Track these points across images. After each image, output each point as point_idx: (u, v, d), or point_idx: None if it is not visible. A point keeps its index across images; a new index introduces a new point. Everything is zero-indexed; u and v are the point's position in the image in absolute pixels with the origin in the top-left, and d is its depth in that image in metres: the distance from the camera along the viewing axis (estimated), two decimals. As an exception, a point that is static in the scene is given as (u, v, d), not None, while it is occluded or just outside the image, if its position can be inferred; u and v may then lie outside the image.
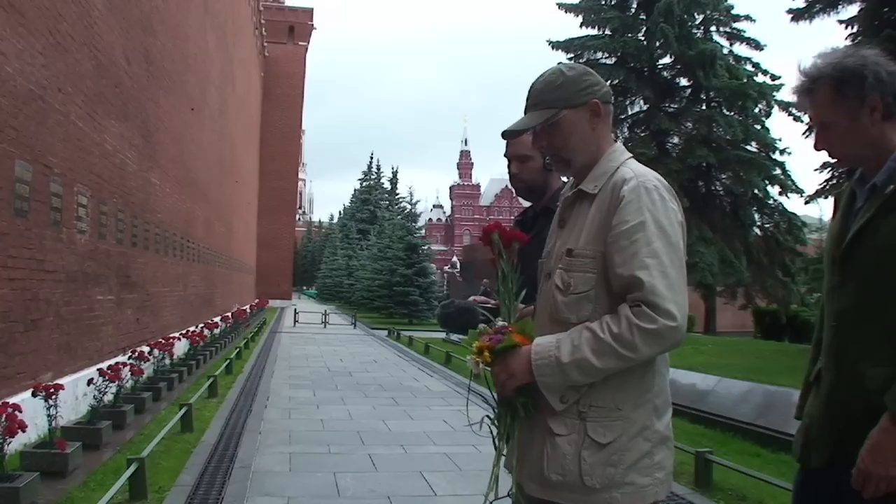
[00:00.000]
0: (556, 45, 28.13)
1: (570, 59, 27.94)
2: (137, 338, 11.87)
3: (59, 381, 7.23)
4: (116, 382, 8.01)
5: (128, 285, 11.56)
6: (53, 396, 6.17)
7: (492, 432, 2.16)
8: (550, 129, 2.13)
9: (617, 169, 2.07)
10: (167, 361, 11.56)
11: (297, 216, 73.99)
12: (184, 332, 14.74)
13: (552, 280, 2.08)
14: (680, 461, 6.67)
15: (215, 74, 23.36)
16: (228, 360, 13.79)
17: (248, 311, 28.57)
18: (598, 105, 2.11)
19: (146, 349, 10.49)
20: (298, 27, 56.37)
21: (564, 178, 3.23)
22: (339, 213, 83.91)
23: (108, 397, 7.97)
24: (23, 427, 5.17)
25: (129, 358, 9.42)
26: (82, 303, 9.15)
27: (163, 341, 11.55)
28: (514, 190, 3.21)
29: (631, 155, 2.17)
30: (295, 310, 35.52)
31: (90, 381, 7.68)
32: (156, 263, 13.81)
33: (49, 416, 6.19)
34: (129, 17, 11.52)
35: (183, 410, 8.04)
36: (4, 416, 5.14)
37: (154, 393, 9.68)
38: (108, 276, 10.47)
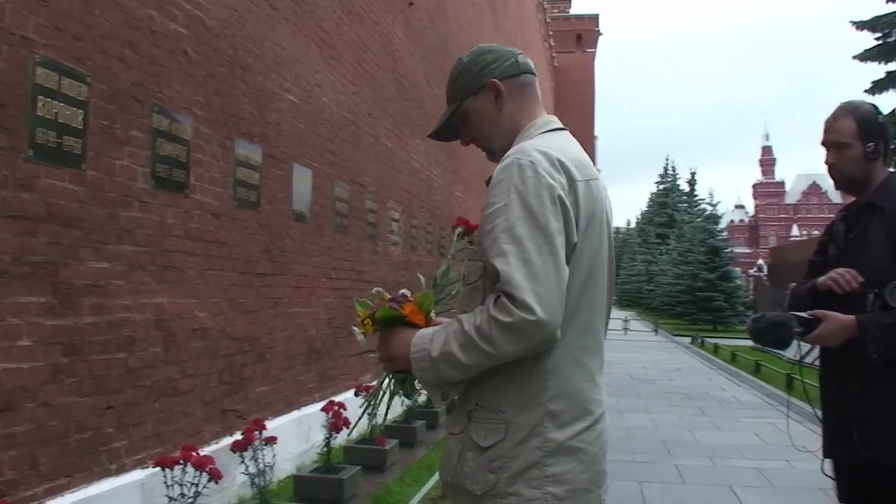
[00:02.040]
0: (860, 25, 25.30)
1: (876, 39, 25.14)
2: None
3: (379, 384, 7.77)
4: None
5: (439, 293, 12.19)
6: (374, 397, 6.63)
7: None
8: (463, 122, 2.03)
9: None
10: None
11: (594, 224, 73.73)
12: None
13: None
14: None
15: (508, 89, 24.08)
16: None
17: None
18: (497, 84, 1.96)
19: (455, 355, 10.96)
20: (585, 34, 56.62)
21: (890, 169, 2.88)
22: (637, 218, 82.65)
23: (422, 398, 8.41)
24: (346, 424, 5.62)
25: (440, 363, 9.90)
26: (397, 311, 9.79)
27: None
28: (833, 182, 2.91)
29: (549, 128, 1.96)
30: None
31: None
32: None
33: (369, 414, 6.66)
34: (426, 41, 12.22)
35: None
36: (331, 413, 5.62)
37: (464, 396, 10.09)
38: (420, 286, 11.10)
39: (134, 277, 4.58)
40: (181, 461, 4.15)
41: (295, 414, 6.58)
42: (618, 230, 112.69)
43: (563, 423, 1.79)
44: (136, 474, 4.47)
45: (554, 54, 50.41)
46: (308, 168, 7.13)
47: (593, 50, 57.47)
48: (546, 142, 1.87)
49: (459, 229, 2.19)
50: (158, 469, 4.13)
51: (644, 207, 72.76)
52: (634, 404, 11.03)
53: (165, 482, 4.08)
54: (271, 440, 5.04)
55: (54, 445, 3.89)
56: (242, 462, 4.83)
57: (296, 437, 6.31)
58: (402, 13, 10.73)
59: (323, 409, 5.73)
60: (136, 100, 4.65)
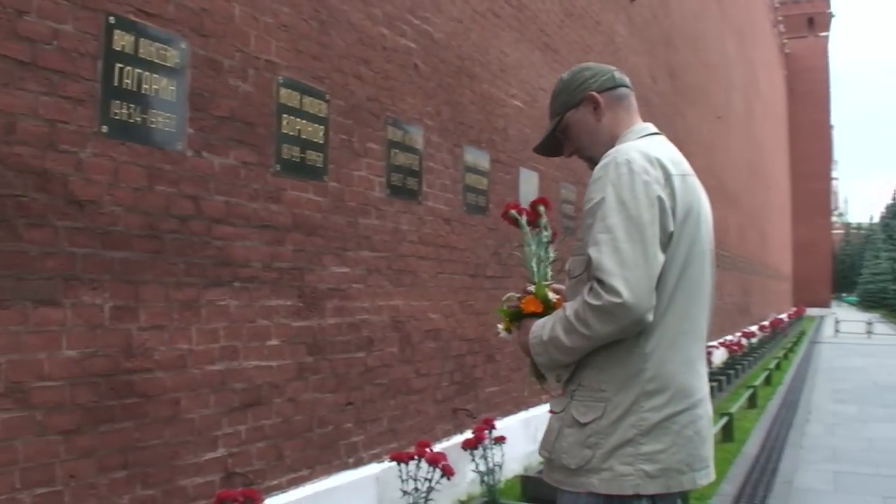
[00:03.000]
0: None
1: None
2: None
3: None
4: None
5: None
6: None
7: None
8: (566, 135, 2.14)
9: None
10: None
11: (833, 218, 68.58)
12: (721, 340, 14.50)
13: None
14: None
15: (738, 80, 22.80)
16: (767, 371, 13.14)
17: (785, 319, 27.07)
18: (595, 97, 2.07)
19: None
20: (817, 18, 52.49)
21: None
22: (881, 213, 75.58)
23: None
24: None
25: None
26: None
27: (701, 350, 11.45)
28: None
29: (645, 133, 2.05)
30: (835, 318, 32.83)
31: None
32: (689, 273, 13.81)
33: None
34: (650, 37, 11.78)
35: (724, 420, 7.82)
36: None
37: (694, 401, 9.61)
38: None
39: (372, 281, 4.72)
40: (416, 457, 4.20)
41: (523, 415, 6.52)
42: (859, 226, 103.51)
43: (659, 405, 1.86)
44: (372, 468, 4.59)
45: (784, 41, 47.02)
46: (534, 171, 7.06)
47: (826, 34, 53.12)
48: (643, 143, 1.98)
49: (513, 213, 2.31)
50: (394, 463, 4.21)
51: (889, 200, 66.40)
52: (879, 414, 9.98)
53: (400, 476, 4.15)
54: (500, 440, 5.00)
55: (298, 439, 4.07)
56: (472, 460, 4.83)
57: (523, 437, 6.24)
58: (623, 10, 10.40)
59: (550, 411, 5.62)
60: (372, 114, 4.78)
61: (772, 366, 14.00)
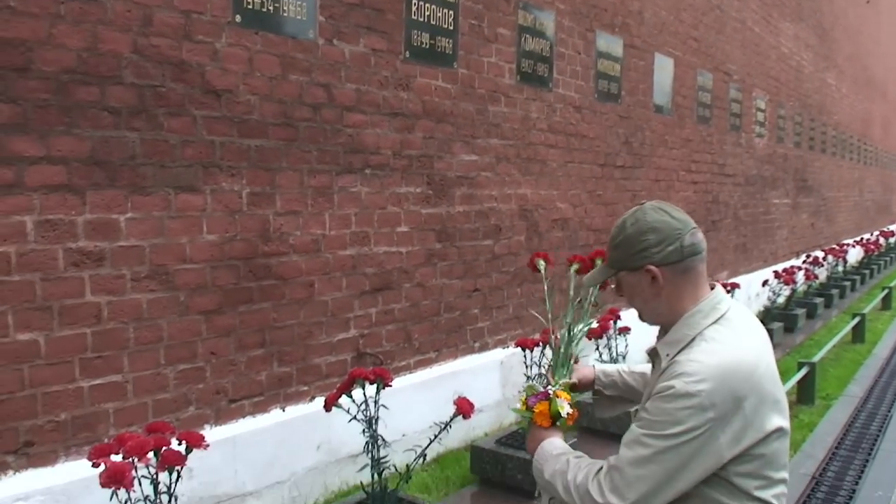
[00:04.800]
0: None
1: None
2: (811, 243, 11.31)
3: (735, 280, 7.25)
4: (790, 286, 7.75)
5: (804, 189, 11.03)
6: (729, 293, 6.18)
7: None
8: (617, 287, 1.85)
9: (688, 345, 1.66)
10: (840, 268, 10.78)
11: None
12: (857, 239, 13.59)
13: None
14: None
15: (897, -41, 20.48)
16: (906, 270, 12.29)
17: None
18: (654, 271, 1.70)
19: (820, 254, 9.94)
20: None
21: None
22: None
23: (780, 300, 7.74)
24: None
25: (803, 262, 9.06)
26: (759, 206, 9.00)
27: (836, 248, 10.79)
28: None
29: (715, 317, 1.68)
30: None
31: (765, 283, 7.57)
32: (832, 167, 12.90)
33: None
34: (806, -89, 10.64)
35: (855, 320, 7.39)
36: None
37: (825, 299, 9.10)
38: (785, 180, 10.10)
39: (500, 170, 4.57)
40: (540, 343, 4.13)
41: (649, 305, 6.34)
42: None
43: None
44: (497, 353, 4.57)
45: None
46: (669, 57, 6.58)
47: None
48: (712, 351, 1.63)
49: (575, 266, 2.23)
50: (518, 349, 4.15)
51: None
52: None
53: (525, 362, 4.10)
54: (625, 330, 4.88)
55: (426, 323, 4.07)
56: (596, 349, 4.73)
57: (647, 329, 6.09)
58: None
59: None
60: (503, -3, 4.52)
61: (911, 266, 13.09)
